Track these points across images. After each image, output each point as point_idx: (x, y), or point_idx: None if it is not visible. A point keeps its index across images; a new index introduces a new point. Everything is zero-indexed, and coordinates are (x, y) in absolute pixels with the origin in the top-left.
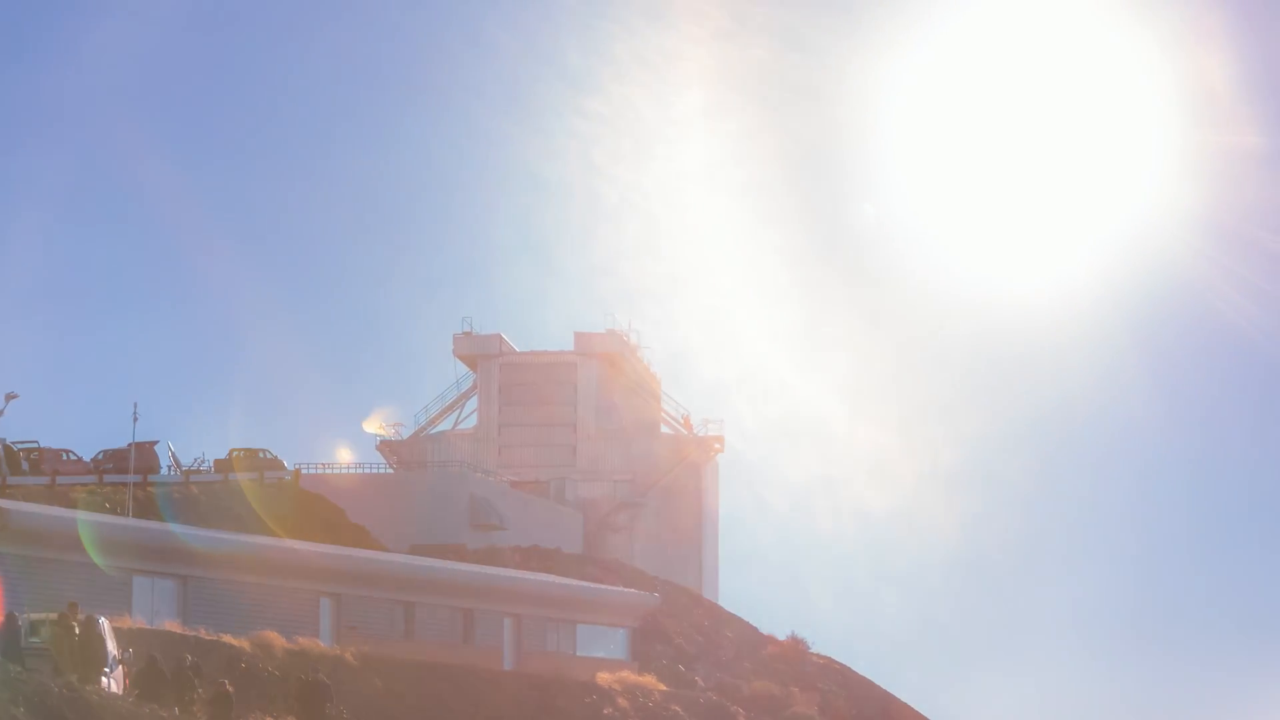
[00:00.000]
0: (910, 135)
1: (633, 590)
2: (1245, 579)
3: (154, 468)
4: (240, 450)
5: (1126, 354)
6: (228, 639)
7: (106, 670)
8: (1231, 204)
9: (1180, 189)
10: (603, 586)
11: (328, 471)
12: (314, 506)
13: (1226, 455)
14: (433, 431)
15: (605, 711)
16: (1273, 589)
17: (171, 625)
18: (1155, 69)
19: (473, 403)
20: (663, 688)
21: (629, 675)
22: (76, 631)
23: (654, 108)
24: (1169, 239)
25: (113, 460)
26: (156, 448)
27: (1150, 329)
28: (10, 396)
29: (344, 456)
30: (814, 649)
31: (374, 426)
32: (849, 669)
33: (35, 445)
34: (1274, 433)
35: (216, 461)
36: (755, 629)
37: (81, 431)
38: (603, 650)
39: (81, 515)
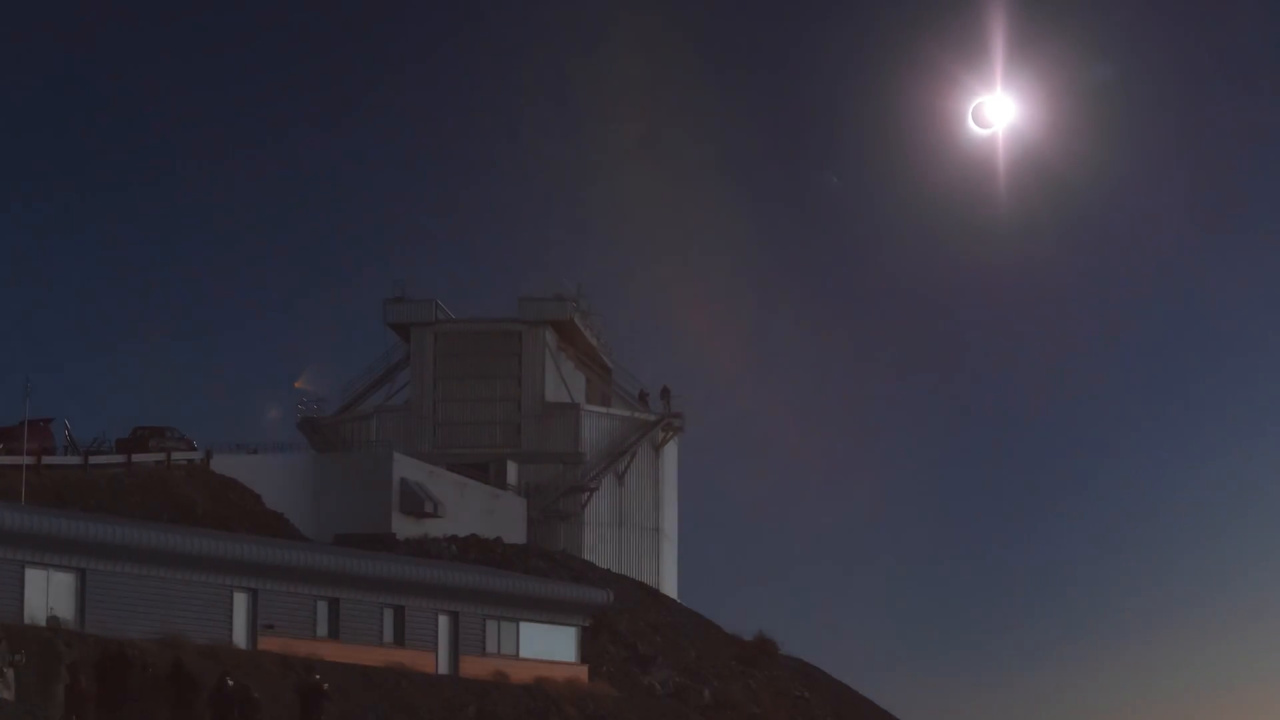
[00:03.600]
0: (870, 105)
1: (583, 585)
2: (1236, 584)
3: (49, 448)
4: (145, 429)
5: (1113, 351)
6: (131, 639)
7: None
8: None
9: (1169, 171)
10: (549, 581)
11: (243, 453)
12: (227, 491)
13: (1220, 460)
14: (360, 408)
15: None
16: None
17: (68, 624)
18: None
19: (405, 375)
20: (616, 693)
21: (578, 679)
22: None
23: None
24: (1159, 223)
25: (2, 440)
26: (52, 426)
27: (1141, 323)
28: None
29: (274, 413)
30: (785, 650)
31: (306, 384)
32: (824, 672)
33: None
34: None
35: (119, 441)
36: (720, 628)
37: None
38: (549, 652)
39: None
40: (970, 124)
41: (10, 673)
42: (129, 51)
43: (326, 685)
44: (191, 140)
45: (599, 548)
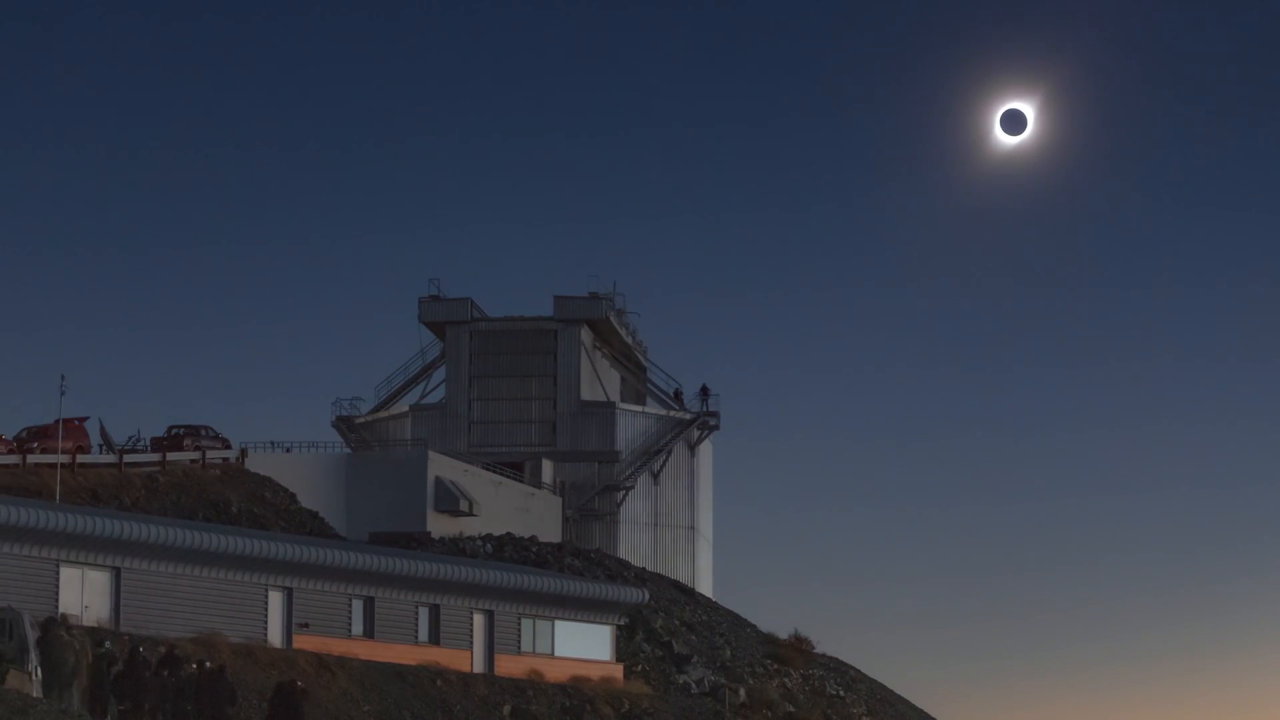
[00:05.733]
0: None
1: (618, 584)
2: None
3: (84, 447)
4: (180, 428)
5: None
6: (166, 637)
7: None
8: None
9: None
10: (584, 580)
11: (278, 451)
12: (262, 490)
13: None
14: (395, 406)
15: (586, 718)
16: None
17: (103, 622)
18: None
19: (440, 374)
20: (651, 692)
21: (614, 678)
22: None
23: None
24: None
25: (38, 439)
26: (87, 424)
27: (1155, 324)
28: None
29: None
30: (820, 648)
31: None
32: (860, 671)
33: None
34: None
35: (154, 440)
36: (755, 626)
37: (1, 407)
38: (584, 650)
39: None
40: (998, 131)
41: (41, 671)
42: (155, 52)
43: (302, 685)
44: (224, 140)
45: (634, 546)
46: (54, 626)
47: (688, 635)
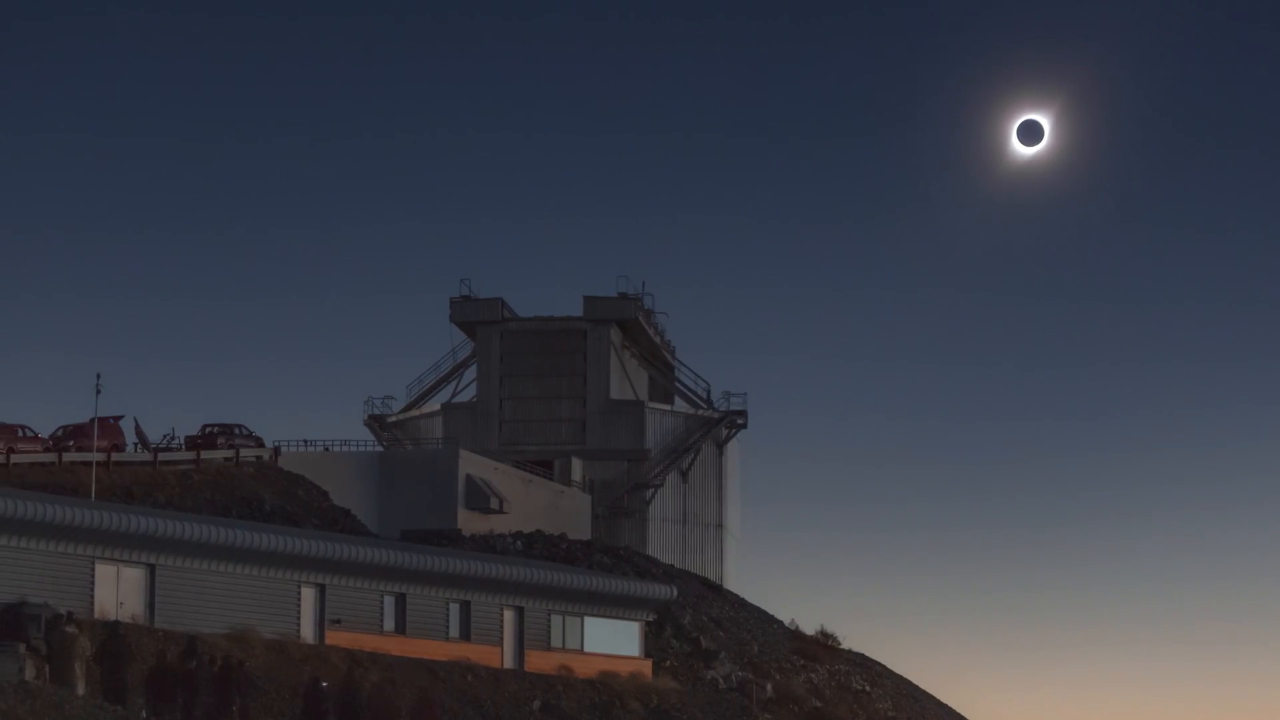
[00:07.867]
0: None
1: (646, 580)
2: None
3: (119, 445)
4: (214, 426)
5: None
6: (200, 633)
7: None
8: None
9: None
10: (613, 576)
11: (311, 449)
12: (295, 487)
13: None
14: (426, 405)
15: (615, 714)
16: None
17: (137, 618)
18: None
19: (471, 373)
20: (679, 687)
21: (642, 674)
22: None
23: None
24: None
25: (73, 437)
26: (122, 423)
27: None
28: None
29: None
30: (846, 644)
31: None
32: (885, 666)
33: None
34: None
35: (188, 439)
36: (781, 622)
37: (38, 405)
38: (613, 646)
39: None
40: (1015, 141)
41: (81, 667)
42: (191, 51)
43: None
44: (257, 139)
45: (663, 543)
46: (59, 621)
47: (715, 631)
